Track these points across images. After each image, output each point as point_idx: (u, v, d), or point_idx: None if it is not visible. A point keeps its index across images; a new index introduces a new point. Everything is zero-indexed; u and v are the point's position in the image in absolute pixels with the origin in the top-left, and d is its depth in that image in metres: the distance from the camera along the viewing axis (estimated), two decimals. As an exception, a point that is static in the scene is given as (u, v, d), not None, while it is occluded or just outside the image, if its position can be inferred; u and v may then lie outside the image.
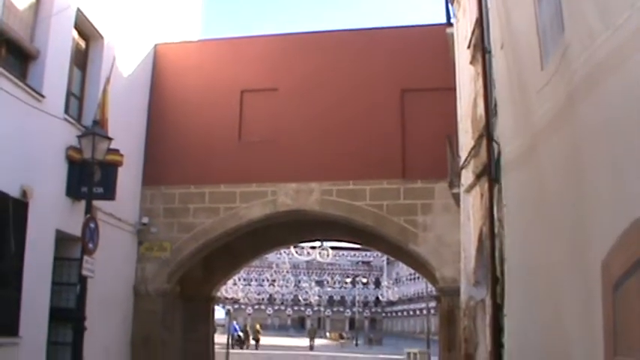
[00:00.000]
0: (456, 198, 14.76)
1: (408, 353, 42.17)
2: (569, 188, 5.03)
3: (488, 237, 9.18)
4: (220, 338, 29.19)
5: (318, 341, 61.39)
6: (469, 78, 12.61)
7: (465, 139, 13.19)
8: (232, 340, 49.05)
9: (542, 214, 5.94)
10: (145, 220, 19.04)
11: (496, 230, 8.49)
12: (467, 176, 12.87)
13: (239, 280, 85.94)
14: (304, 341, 59.76)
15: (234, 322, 56.65)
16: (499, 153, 8.71)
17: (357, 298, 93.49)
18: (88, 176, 13.02)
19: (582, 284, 4.65)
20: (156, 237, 19.06)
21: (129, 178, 17.54)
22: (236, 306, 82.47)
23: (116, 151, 14.88)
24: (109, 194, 15.20)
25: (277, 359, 37.50)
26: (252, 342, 52.11)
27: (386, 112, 18.75)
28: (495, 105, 9.14)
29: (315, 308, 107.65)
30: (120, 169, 15.58)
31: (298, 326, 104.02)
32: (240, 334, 51.58)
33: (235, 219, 19.01)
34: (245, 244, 22.16)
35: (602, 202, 4.24)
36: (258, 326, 58.12)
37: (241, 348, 48.30)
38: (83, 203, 13.38)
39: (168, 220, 19.23)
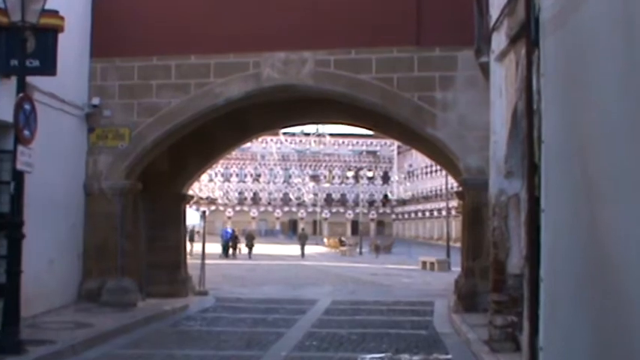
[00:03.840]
0: (484, 68, 14.66)
1: (424, 262, 43.02)
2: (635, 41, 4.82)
3: (524, 115, 9.06)
4: (196, 247, 29.52)
5: (311, 248, 62.38)
6: None
7: (497, -7, 12.93)
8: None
9: (592, 79, 5.76)
10: (96, 101, 18.92)
11: (535, 106, 8.34)
12: (499, 40, 12.66)
13: (216, 175, 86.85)
14: (296, 249, 60.59)
15: (228, 228, 57.51)
16: (539, 9, 8.46)
17: (361, 196, 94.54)
18: (19, 45, 12.69)
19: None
20: (110, 122, 19.02)
21: (73, 49, 17.34)
22: (213, 207, 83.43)
23: (54, 13, 14.56)
24: (48, 68, 14.97)
25: (261, 270, 38.10)
26: (244, 250, 52.89)
27: (396, -39, 18.42)
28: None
29: (310, 209, 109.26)
30: (61, 37, 15.30)
31: (289, 231, 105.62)
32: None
33: (209, 98, 18.96)
34: (222, 129, 22.20)
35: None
36: (252, 228, 59.21)
37: (227, 256, 49.10)
38: (14, 80, 13.09)
39: (126, 101, 19.14)
